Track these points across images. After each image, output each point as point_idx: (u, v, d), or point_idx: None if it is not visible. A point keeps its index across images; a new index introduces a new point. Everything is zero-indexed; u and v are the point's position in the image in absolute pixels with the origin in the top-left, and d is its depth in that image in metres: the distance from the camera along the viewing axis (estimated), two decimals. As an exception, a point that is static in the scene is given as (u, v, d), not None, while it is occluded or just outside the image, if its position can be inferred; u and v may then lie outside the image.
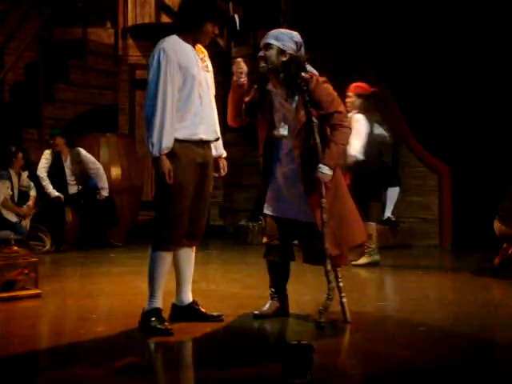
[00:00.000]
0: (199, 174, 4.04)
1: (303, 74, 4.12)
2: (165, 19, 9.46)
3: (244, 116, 4.31)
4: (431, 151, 8.42)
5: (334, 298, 4.13)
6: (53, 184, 7.78)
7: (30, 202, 7.67)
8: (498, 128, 7.99)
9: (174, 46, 3.95)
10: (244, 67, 4.16)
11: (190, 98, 3.95)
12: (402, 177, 8.43)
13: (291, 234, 4.32)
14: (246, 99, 4.28)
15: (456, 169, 8.28)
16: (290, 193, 4.20)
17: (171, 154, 3.91)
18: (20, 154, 7.61)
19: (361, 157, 6.50)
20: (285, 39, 4.18)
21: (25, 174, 7.73)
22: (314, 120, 4.09)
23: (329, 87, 4.18)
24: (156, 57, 3.90)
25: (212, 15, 4.00)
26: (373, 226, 6.69)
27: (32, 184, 7.74)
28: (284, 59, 4.15)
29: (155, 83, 3.87)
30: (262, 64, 4.17)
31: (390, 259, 7.23)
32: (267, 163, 4.25)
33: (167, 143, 3.87)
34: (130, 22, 9.70)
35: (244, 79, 4.16)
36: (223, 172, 4.26)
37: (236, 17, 9.90)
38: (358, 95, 6.69)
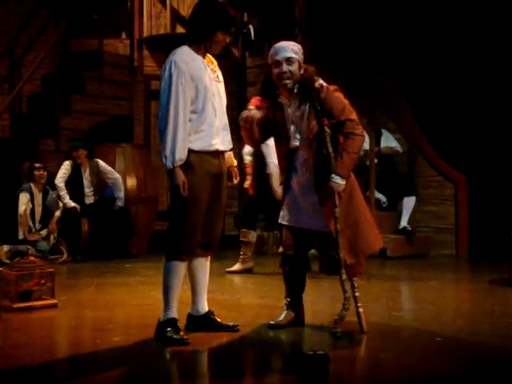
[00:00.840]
0: (214, 185, 4.05)
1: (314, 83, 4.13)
2: (180, 30, 9.49)
3: (260, 137, 4.35)
4: (447, 160, 8.39)
5: (350, 308, 4.11)
6: (71, 194, 7.82)
7: (51, 226, 7.69)
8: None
9: (185, 57, 3.95)
10: (253, 117, 4.20)
11: (204, 109, 3.96)
12: (417, 186, 8.41)
13: (307, 244, 4.32)
14: (257, 122, 4.29)
15: (472, 178, 8.24)
16: (306, 202, 4.20)
17: (187, 165, 3.92)
18: (43, 173, 7.63)
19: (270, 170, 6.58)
20: (299, 52, 4.18)
21: (54, 194, 7.78)
22: (326, 129, 4.09)
23: (340, 96, 4.16)
24: (167, 69, 3.90)
25: (223, 24, 3.99)
26: (253, 234, 6.79)
27: (61, 204, 7.78)
28: (301, 72, 4.16)
29: (167, 96, 3.88)
30: (287, 81, 4.13)
31: (406, 269, 7.21)
32: (286, 174, 4.27)
33: (180, 155, 3.88)
34: (146, 33, 9.75)
35: (250, 124, 4.22)
36: (235, 180, 4.27)
37: (251, 27, 9.94)
38: (258, 108, 6.77)
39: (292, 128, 4.21)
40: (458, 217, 8.26)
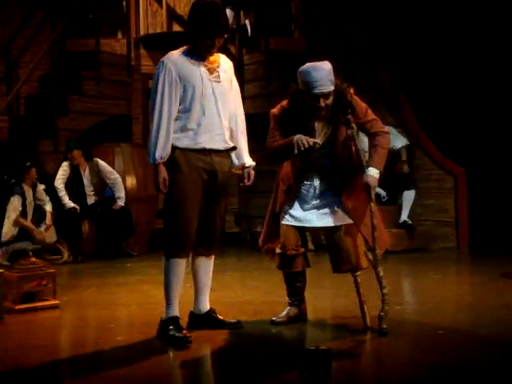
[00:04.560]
0: (207, 182, 4.03)
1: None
2: (176, 28, 9.48)
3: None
4: (446, 154, 8.39)
5: (389, 303, 4.12)
6: (72, 195, 7.81)
7: (48, 221, 7.66)
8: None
9: (175, 57, 3.99)
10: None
11: (191, 108, 3.97)
12: (417, 180, 8.40)
13: (305, 243, 4.33)
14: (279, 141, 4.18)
15: (472, 171, 8.24)
16: (324, 202, 4.17)
17: (173, 163, 3.96)
18: (33, 169, 7.60)
19: None
20: (333, 77, 4.03)
21: (41, 187, 7.74)
22: (354, 127, 4.09)
23: (358, 98, 4.19)
24: (157, 69, 4.01)
25: (212, 33, 3.92)
26: None
27: (48, 198, 7.74)
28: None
29: (154, 95, 3.99)
30: (323, 112, 4.07)
31: (407, 263, 7.21)
32: (296, 179, 4.21)
33: (161, 153, 3.92)
34: (142, 32, 9.73)
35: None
36: (247, 182, 4.20)
37: (247, 23, 9.93)
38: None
39: (318, 135, 4.13)
40: (458, 210, 8.25)
